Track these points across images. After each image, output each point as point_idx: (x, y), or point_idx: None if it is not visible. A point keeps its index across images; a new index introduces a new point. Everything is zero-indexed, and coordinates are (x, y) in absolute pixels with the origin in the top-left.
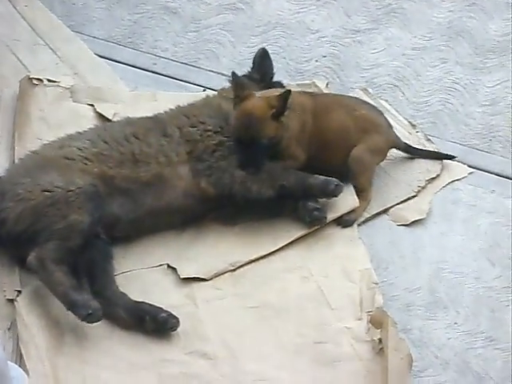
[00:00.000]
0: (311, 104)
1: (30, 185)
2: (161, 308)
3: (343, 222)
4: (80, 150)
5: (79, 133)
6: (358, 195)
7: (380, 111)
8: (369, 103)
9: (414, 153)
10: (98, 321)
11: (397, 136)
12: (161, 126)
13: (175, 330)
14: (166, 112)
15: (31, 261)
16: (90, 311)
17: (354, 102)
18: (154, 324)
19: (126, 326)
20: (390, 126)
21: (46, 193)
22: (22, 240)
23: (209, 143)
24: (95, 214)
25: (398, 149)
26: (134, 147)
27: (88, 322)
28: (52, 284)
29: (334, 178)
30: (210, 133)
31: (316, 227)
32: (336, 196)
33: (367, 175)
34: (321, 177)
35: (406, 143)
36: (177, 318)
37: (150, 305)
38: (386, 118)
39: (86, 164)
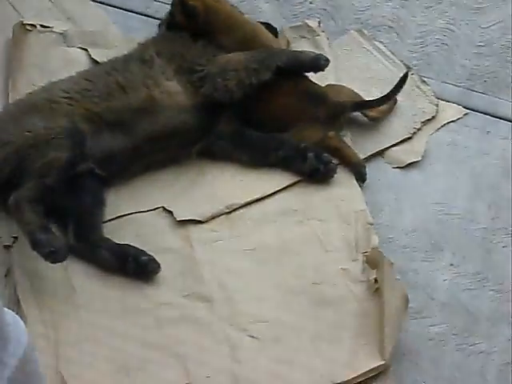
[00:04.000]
0: None
1: (13, 129)
2: (143, 251)
3: (360, 176)
4: (64, 91)
5: (65, 78)
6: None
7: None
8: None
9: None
10: (62, 260)
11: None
12: (136, 56)
13: (155, 274)
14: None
15: (10, 202)
16: (53, 249)
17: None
18: (135, 265)
19: (110, 267)
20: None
21: (28, 133)
22: (9, 186)
23: (194, 50)
24: (76, 150)
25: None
26: (117, 77)
27: (51, 262)
28: (21, 223)
29: (322, 54)
30: (188, 43)
31: (330, 178)
32: (323, 70)
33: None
34: (310, 53)
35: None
36: (158, 264)
37: (134, 247)
38: None
39: (70, 105)
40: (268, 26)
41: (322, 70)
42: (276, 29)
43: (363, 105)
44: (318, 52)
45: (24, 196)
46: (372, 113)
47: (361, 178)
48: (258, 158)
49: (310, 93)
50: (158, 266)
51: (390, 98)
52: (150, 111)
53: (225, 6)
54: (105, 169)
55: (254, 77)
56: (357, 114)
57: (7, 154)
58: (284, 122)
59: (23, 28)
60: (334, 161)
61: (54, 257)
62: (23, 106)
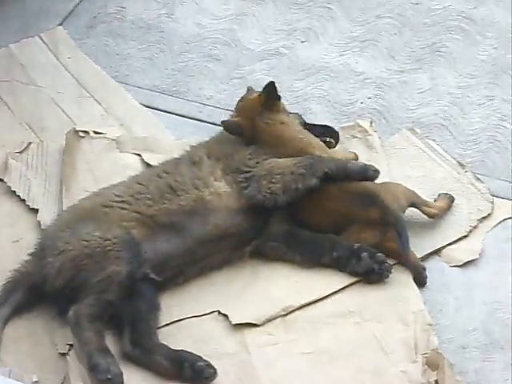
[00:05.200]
0: None
1: (69, 237)
2: (199, 356)
3: (419, 280)
4: (117, 195)
5: (117, 183)
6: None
7: None
8: None
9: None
10: None
11: None
12: (187, 158)
13: (212, 380)
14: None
15: (69, 316)
16: (109, 376)
17: None
18: (191, 372)
19: (165, 373)
20: None
21: (84, 242)
22: (65, 294)
23: (244, 152)
24: (134, 263)
25: None
26: (168, 180)
27: None
28: (81, 342)
29: (371, 164)
30: (241, 145)
31: (386, 278)
32: (373, 181)
33: None
34: (359, 162)
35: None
36: (214, 369)
37: (190, 353)
38: None
39: (124, 209)
40: (329, 128)
41: (372, 181)
42: (337, 133)
43: (404, 239)
44: (369, 152)
45: (84, 313)
46: (430, 209)
47: (420, 281)
48: (311, 258)
49: (362, 194)
50: (215, 371)
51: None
52: (200, 213)
53: (273, 126)
54: (160, 273)
55: (300, 182)
56: (414, 211)
57: (63, 262)
58: (336, 225)
59: (76, 134)
60: (390, 260)
61: (110, 383)
62: (77, 213)
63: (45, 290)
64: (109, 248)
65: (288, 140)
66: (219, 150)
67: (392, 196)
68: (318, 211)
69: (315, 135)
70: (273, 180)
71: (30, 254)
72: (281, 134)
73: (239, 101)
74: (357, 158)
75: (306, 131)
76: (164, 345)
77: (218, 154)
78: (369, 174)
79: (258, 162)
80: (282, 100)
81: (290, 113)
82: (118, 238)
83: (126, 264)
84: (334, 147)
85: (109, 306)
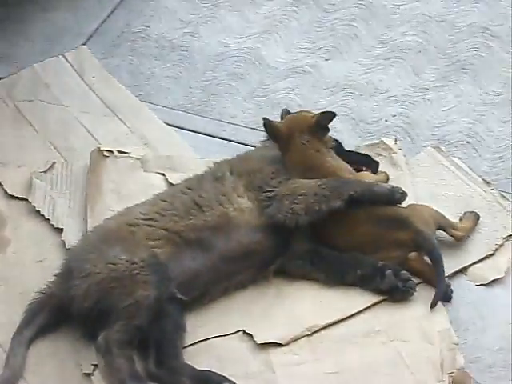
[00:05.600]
0: None
1: (95, 259)
2: (225, 377)
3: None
4: (142, 213)
5: (141, 202)
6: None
7: None
8: None
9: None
10: None
11: None
12: (210, 174)
13: None
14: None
15: (99, 343)
16: None
17: None
18: None
19: None
20: None
21: (111, 265)
22: (91, 317)
23: (267, 171)
24: (161, 287)
25: None
26: (192, 196)
27: None
28: (112, 369)
29: (398, 186)
30: (265, 164)
31: (410, 295)
32: (401, 203)
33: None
34: (385, 185)
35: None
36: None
37: (215, 373)
38: None
39: (150, 226)
40: (367, 158)
41: (399, 204)
42: (377, 163)
43: (436, 260)
44: (394, 170)
45: (114, 339)
46: (457, 232)
47: (446, 298)
48: (335, 277)
49: (392, 218)
50: None
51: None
52: (224, 229)
53: (307, 150)
54: (186, 293)
55: (324, 203)
56: (439, 232)
57: (90, 285)
58: (362, 247)
59: (101, 154)
60: (414, 279)
61: None
62: (103, 234)
63: (71, 312)
64: (136, 272)
65: (316, 167)
66: (242, 167)
67: (422, 219)
68: (345, 233)
69: (351, 162)
70: (295, 200)
71: (55, 275)
72: (311, 160)
73: (291, 113)
74: (387, 179)
75: (338, 158)
76: (189, 365)
77: (241, 170)
78: (396, 196)
79: (280, 182)
80: None
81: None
82: (145, 262)
83: (153, 288)
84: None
85: (138, 331)
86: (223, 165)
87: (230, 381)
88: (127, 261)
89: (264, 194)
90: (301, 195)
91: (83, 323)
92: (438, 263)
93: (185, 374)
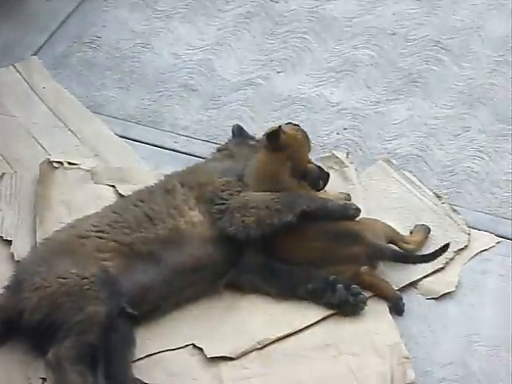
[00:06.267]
0: None
1: (46, 273)
2: None
3: (396, 309)
4: (93, 225)
5: (91, 214)
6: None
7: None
8: None
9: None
10: None
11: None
12: (161, 186)
13: None
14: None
15: (49, 359)
16: None
17: None
18: None
19: None
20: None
21: (61, 279)
22: (40, 330)
23: (218, 183)
24: (112, 303)
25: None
26: (143, 209)
27: None
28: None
29: (352, 203)
30: (215, 176)
31: (361, 310)
32: (354, 219)
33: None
34: (340, 201)
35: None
36: None
37: None
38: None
39: (101, 238)
40: (320, 170)
41: (352, 219)
42: (328, 174)
43: (403, 259)
44: (346, 183)
45: (66, 355)
46: (407, 245)
47: (397, 310)
48: (286, 290)
49: (342, 233)
50: None
51: (432, 258)
52: (176, 242)
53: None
54: (137, 307)
55: (275, 217)
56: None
57: (40, 298)
58: (313, 262)
59: (50, 165)
60: (365, 292)
61: None
62: (52, 246)
63: (20, 325)
64: (86, 287)
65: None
66: (193, 179)
67: (373, 233)
68: (297, 248)
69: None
70: (247, 213)
71: (4, 288)
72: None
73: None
74: (349, 199)
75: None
76: (138, 379)
77: (192, 182)
78: (349, 212)
79: (231, 194)
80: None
81: None
82: (96, 277)
83: (104, 304)
84: (322, 188)
85: (89, 347)
86: (173, 177)
87: None
88: (77, 275)
89: (216, 206)
90: (252, 208)
91: (32, 337)
92: (407, 258)
93: None
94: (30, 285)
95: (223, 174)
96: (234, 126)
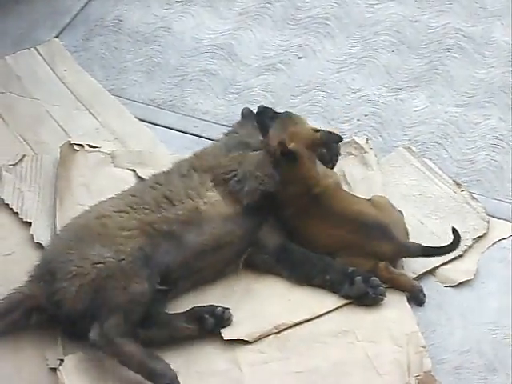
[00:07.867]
0: None
1: (79, 260)
2: (211, 305)
3: (417, 301)
4: (112, 206)
5: (108, 198)
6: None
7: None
8: None
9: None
10: None
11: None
12: (175, 171)
13: (232, 319)
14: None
15: (95, 340)
16: (168, 381)
17: None
18: (213, 319)
19: (190, 333)
20: None
21: (99, 265)
22: (84, 317)
23: (225, 163)
24: (153, 280)
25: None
26: (161, 190)
27: None
28: (124, 357)
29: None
30: (221, 158)
31: (380, 301)
32: None
33: None
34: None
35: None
36: (228, 309)
37: (201, 306)
38: None
39: (122, 217)
40: (331, 134)
41: None
42: (341, 138)
43: (429, 254)
44: (365, 169)
45: (113, 332)
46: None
47: (418, 302)
48: (300, 276)
49: (369, 224)
50: (228, 310)
51: (455, 247)
52: (196, 223)
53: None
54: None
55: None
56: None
57: (80, 287)
58: (333, 251)
59: (71, 148)
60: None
61: None
62: (75, 232)
63: (57, 314)
64: (126, 268)
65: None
66: (204, 164)
67: (400, 229)
68: (319, 233)
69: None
70: (259, 171)
71: (31, 276)
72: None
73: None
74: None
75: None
76: (175, 313)
77: (203, 167)
78: None
79: (240, 162)
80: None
81: None
82: (132, 256)
83: (147, 282)
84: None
85: (134, 324)
86: (186, 162)
87: (217, 306)
88: (113, 257)
89: (231, 182)
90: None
91: (71, 324)
92: (433, 253)
93: (178, 319)
94: (65, 274)
95: (228, 151)
96: (243, 109)
